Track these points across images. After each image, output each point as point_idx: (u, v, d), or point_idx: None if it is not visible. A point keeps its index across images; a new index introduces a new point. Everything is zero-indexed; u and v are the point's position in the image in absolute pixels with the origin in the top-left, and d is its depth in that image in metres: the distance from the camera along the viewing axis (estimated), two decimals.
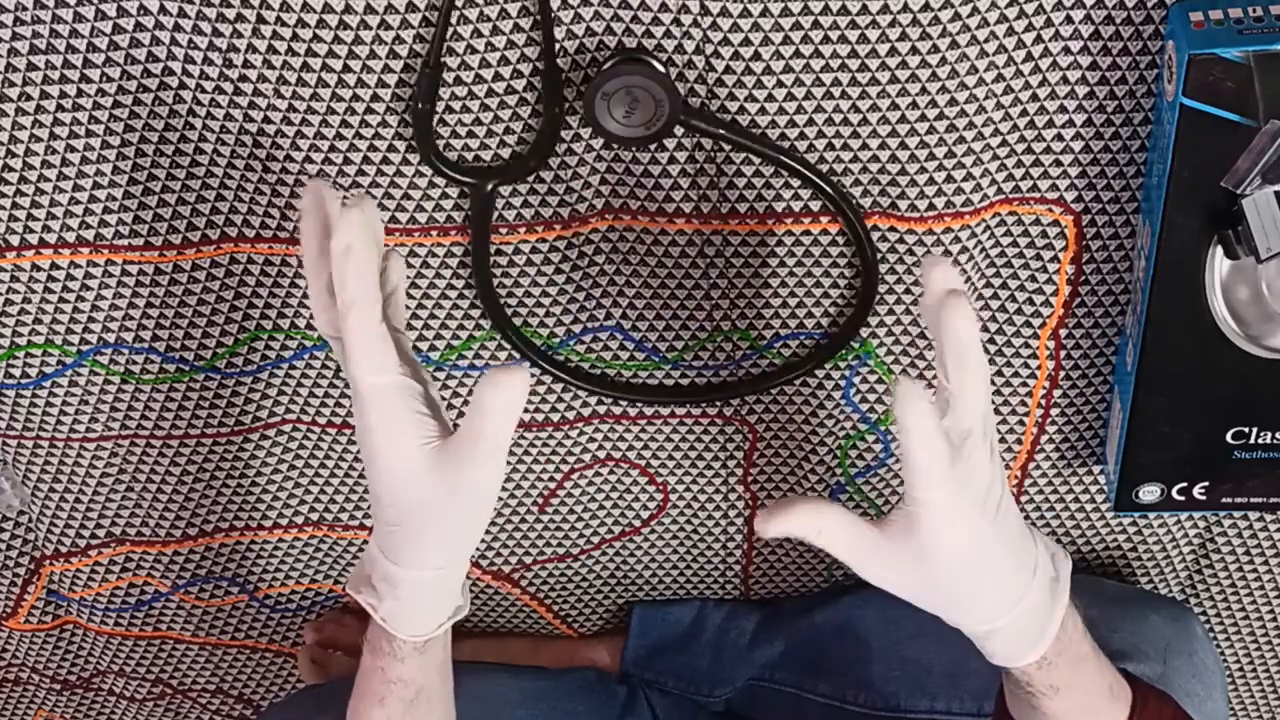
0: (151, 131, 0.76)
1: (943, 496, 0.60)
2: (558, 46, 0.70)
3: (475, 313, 0.83)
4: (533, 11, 0.69)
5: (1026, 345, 0.83)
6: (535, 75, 0.72)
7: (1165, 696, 0.73)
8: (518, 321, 0.83)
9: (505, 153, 0.75)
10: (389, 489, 0.63)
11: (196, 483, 0.94)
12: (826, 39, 0.69)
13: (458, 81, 0.72)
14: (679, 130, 0.73)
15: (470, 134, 0.74)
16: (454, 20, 0.69)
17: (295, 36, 0.70)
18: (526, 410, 0.89)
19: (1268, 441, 0.79)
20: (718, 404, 0.88)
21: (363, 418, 0.62)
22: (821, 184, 0.75)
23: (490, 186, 0.75)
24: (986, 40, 0.69)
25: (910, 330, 0.83)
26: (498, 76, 0.71)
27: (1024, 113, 0.73)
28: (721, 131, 0.72)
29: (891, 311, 0.82)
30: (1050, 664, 0.67)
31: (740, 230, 0.79)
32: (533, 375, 0.86)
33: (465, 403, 0.88)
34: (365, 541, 0.99)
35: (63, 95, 0.74)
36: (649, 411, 0.89)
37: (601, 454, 0.92)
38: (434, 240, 0.79)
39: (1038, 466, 0.90)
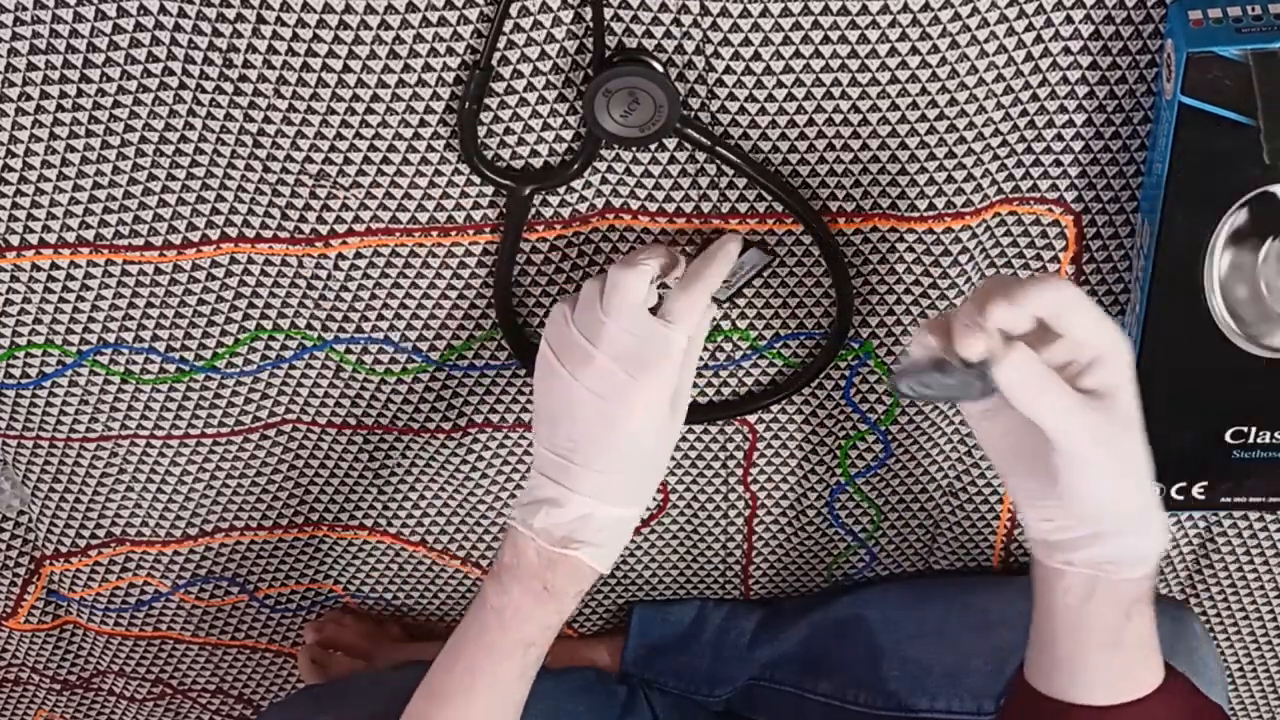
0: (151, 131, 0.76)
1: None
2: (608, 54, 0.70)
3: (475, 313, 0.83)
4: (585, 18, 0.69)
5: None
6: (580, 83, 0.72)
7: (1181, 673, 0.73)
8: (518, 321, 0.83)
9: (536, 160, 0.75)
10: (644, 442, 0.71)
11: (196, 483, 0.94)
12: (826, 39, 0.69)
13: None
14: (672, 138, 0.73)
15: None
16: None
17: (295, 36, 0.70)
18: (527, 410, 0.89)
19: (1267, 441, 0.79)
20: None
21: (658, 379, 0.70)
22: (809, 221, 0.76)
23: (528, 191, 0.76)
24: (986, 40, 0.69)
25: (910, 330, 0.83)
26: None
27: (1024, 113, 0.73)
28: (706, 142, 0.73)
29: (891, 312, 0.82)
30: (1151, 576, 0.67)
31: (740, 230, 0.79)
32: (531, 382, 0.86)
33: (464, 402, 0.88)
34: (365, 541, 0.99)
35: (63, 95, 0.74)
36: None
37: None
38: (434, 240, 0.79)
39: None
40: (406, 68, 0.71)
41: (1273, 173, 0.69)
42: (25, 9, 0.70)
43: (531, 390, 0.88)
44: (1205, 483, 0.81)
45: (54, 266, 0.82)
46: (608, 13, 0.69)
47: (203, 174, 0.78)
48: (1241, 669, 1.05)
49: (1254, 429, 0.78)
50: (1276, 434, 0.78)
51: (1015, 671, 0.72)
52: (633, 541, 0.98)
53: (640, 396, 0.70)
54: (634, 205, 0.78)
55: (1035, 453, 0.64)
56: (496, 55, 0.71)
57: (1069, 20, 0.69)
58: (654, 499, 0.94)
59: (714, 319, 0.82)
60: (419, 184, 0.77)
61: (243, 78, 0.72)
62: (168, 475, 0.94)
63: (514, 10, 0.69)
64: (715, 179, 0.76)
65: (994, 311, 0.61)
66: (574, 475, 0.71)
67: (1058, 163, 0.75)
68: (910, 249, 0.78)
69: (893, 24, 0.68)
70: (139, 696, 1.14)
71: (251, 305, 0.84)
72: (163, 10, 0.70)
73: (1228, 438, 0.79)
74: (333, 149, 0.75)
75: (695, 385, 0.87)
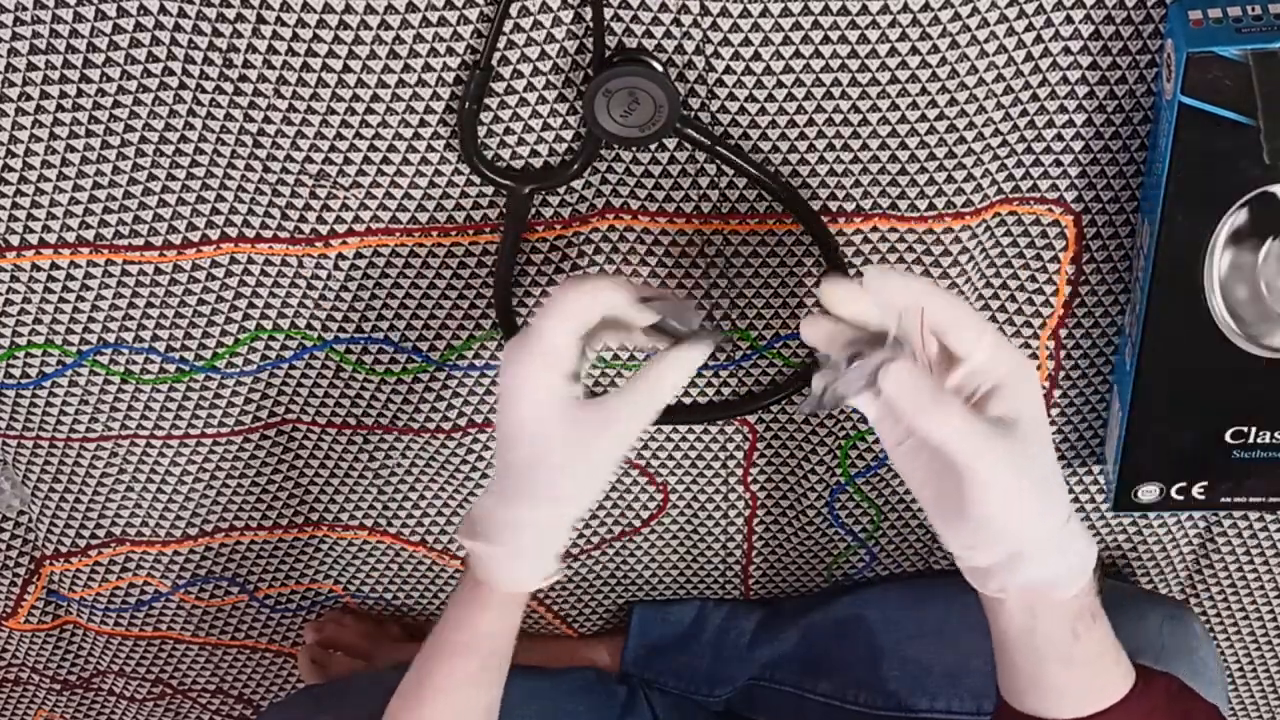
0: (151, 131, 0.76)
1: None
2: (608, 54, 0.70)
3: (475, 313, 0.83)
4: (585, 18, 0.69)
5: (1026, 345, 0.83)
6: (580, 83, 0.72)
7: (1168, 675, 0.73)
8: (518, 321, 0.83)
9: (536, 160, 0.75)
10: (516, 429, 0.68)
11: (196, 483, 0.94)
12: (826, 39, 0.69)
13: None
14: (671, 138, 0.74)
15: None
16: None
17: (295, 36, 0.70)
18: None
19: (1267, 441, 0.79)
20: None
21: (526, 353, 0.67)
22: (812, 222, 0.76)
23: (528, 190, 0.76)
24: (986, 40, 0.69)
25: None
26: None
27: (1024, 113, 0.73)
28: (706, 142, 0.73)
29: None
30: (1089, 591, 0.67)
31: (740, 230, 0.79)
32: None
33: (464, 402, 0.88)
34: (365, 541, 0.99)
35: (63, 95, 0.74)
36: None
37: None
38: (434, 240, 0.79)
39: None
40: (406, 68, 0.71)
41: (1273, 173, 0.69)
42: (25, 9, 0.70)
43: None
44: (1205, 483, 0.82)
45: (54, 266, 0.82)
46: (608, 13, 0.69)
47: (203, 174, 0.78)
48: (1241, 669, 1.05)
49: (1254, 429, 0.78)
50: (1276, 434, 0.78)
51: (996, 692, 0.73)
52: (632, 541, 0.98)
53: (502, 378, 0.68)
54: (634, 205, 0.78)
55: (946, 479, 0.64)
56: (496, 55, 0.71)
57: (1069, 20, 0.69)
58: (654, 499, 0.94)
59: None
60: (419, 184, 0.77)
61: (243, 78, 0.72)
62: (168, 475, 0.94)
63: (514, 10, 0.69)
64: (715, 179, 0.76)
65: (830, 288, 0.63)
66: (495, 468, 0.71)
67: (1058, 163, 0.75)
68: (910, 249, 0.78)
69: (893, 24, 0.68)
70: (139, 696, 1.14)
71: (251, 305, 0.84)
72: (163, 10, 0.70)
73: (1228, 438, 0.79)
74: (333, 149, 0.75)
75: (695, 385, 0.87)
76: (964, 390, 0.64)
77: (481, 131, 0.74)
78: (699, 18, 0.69)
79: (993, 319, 0.82)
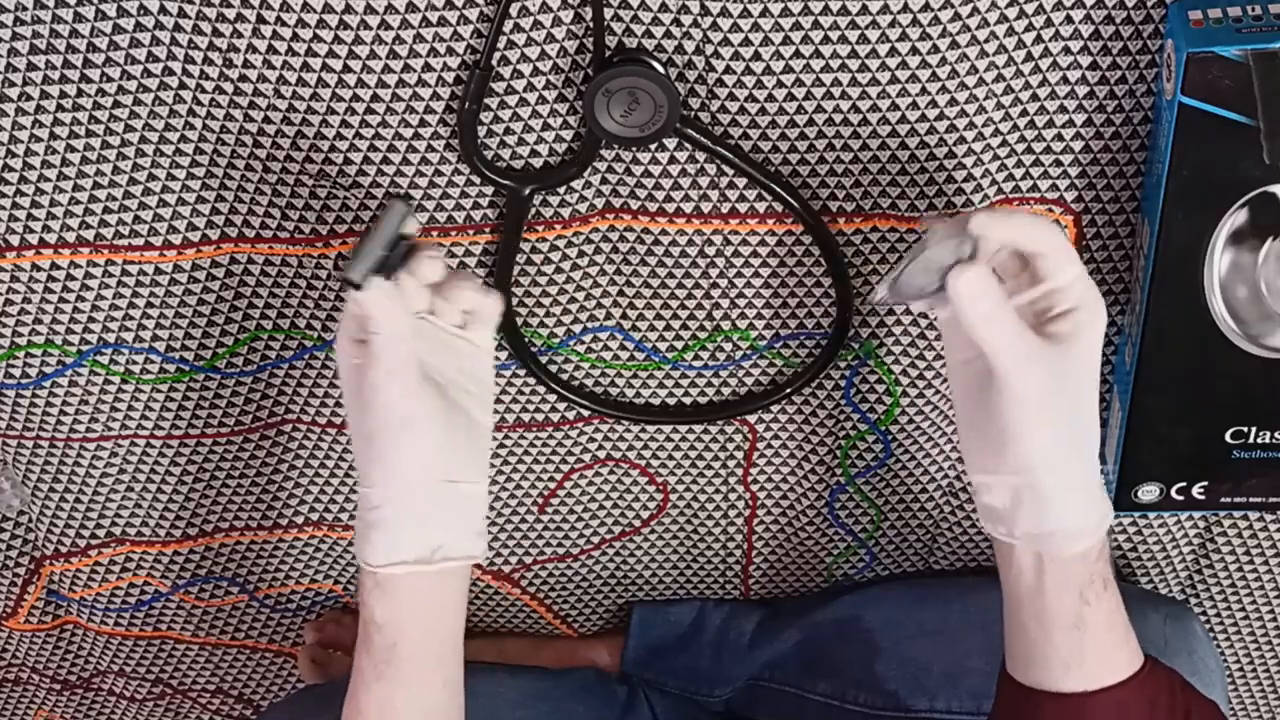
0: (151, 131, 0.76)
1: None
2: (608, 54, 0.70)
3: None
4: (585, 18, 0.69)
5: None
6: (580, 83, 0.72)
7: (1173, 670, 0.73)
8: (518, 321, 0.83)
9: (536, 160, 0.75)
10: (344, 395, 0.69)
11: (196, 483, 0.94)
12: (826, 39, 0.69)
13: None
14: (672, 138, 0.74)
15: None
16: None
17: (295, 36, 0.70)
18: (526, 410, 0.89)
19: (1267, 441, 0.79)
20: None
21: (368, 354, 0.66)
22: (808, 218, 0.76)
23: (528, 191, 0.76)
24: (986, 40, 0.69)
25: (910, 330, 0.83)
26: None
27: (1024, 113, 0.73)
28: (706, 142, 0.73)
29: (891, 312, 0.82)
30: (1101, 559, 0.67)
31: (740, 230, 0.79)
32: (530, 382, 0.86)
33: None
34: None
35: (63, 95, 0.74)
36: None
37: (601, 454, 0.92)
38: (433, 240, 0.79)
39: None
40: (406, 68, 0.71)
41: (1273, 173, 0.69)
42: (25, 9, 0.70)
43: (531, 390, 0.88)
44: (1205, 483, 0.82)
45: (54, 266, 0.82)
46: (608, 13, 0.69)
47: (203, 174, 0.78)
48: (1241, 669, 1.05)
49: (1254, 429, 0.78)
50: (1276, 434, 0.78)
51: (1001, 666, 0.73)
52: (632, 541, 0.98)
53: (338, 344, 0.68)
54: (634, 205, 0.78)
55: (986, 393, 0.65)
56: (496, 55, 0.71)
57: (1069, 20, 0.69)
58: (654, 499, 0.94)
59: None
60: (419, 184, 0.77)
61: (243, 78, 0.72)
62: (168, 475, 0.94)
63: (514, 10, 0.69)
64: (715, 179, 0.76)
65: (976, 217, 0.64)
66: None
67: (1058, 163, 0.75)
68: (910, 249, 0.78)
69: (893, 24, 0.68)
70: (139, 696, 1.14)
71: (251, 305, 0.84)
72: (163, 10, 0.70)
73: (1228, 438, 0.79)
74: (333, 149, 0.75)
75: (695, 385, 0.87)
76: (1035, 307, 0.66)
77: (481, 131, 0.74)
78: (699, 18, 0.69)
79: None
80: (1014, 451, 0.65)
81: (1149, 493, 0.83)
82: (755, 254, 0.80)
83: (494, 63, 0.71)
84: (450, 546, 0.69)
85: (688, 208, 0.78)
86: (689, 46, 0.70)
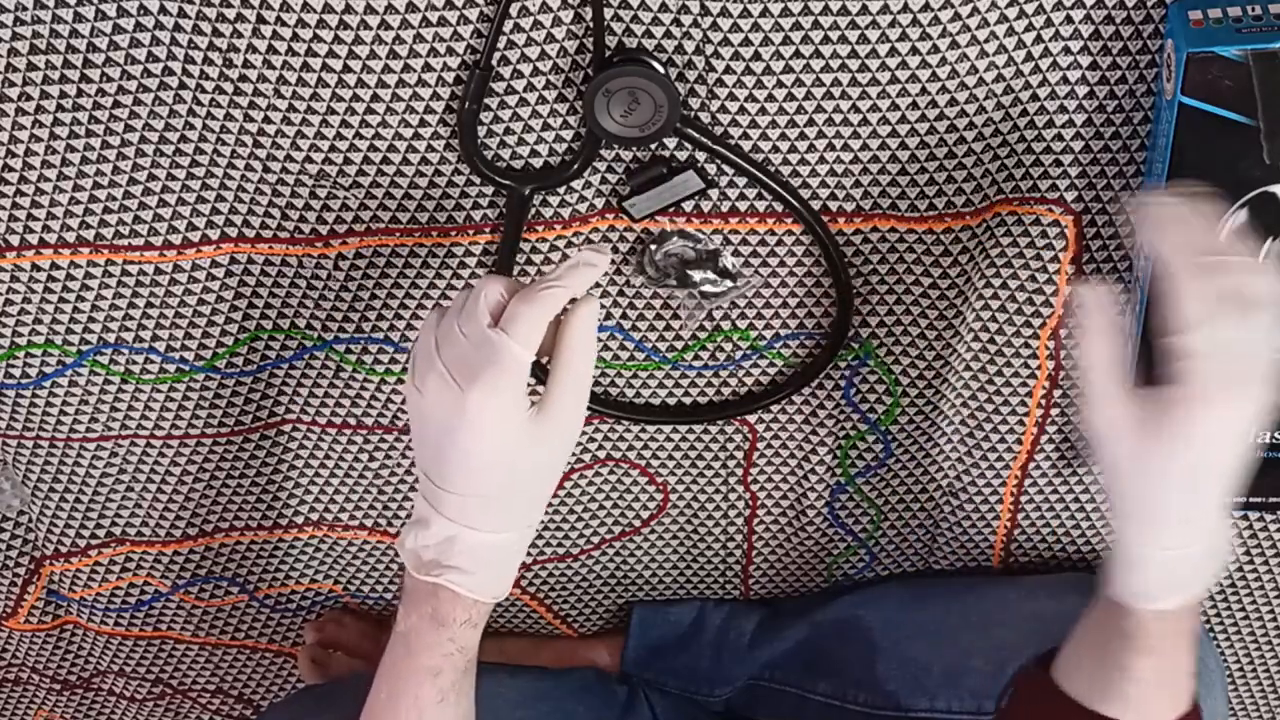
0: (151, 131, 0.76)
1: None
2: (608, 53, 0.70)
3: None
4: (585, 18, 0.69)
5: (1026, 345, 0.83)
6: (580, 83, 0.72)
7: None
8: None
9: (536, 160, 0.75)
10: (493, 459, 0.65)
11: (196, 483, 0.94)
12: (826, 39, 0.69)
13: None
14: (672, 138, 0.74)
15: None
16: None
17: (295, 36, 0.70)
18: None
19: (1267, 441, 0.79)
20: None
21: (487, 391, 0.64)
22: (807, 216, 0.76)
23: (528, 191, 0.76)
24: (986, 40, 0.69)
25: (910, 330, 0.83)
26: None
27: (1024, 112, 0.73)
28: (707, 142, 0.73)
29: (891, 312, 0.82)
30: (1174, 618, 0.65)
31: (740, 229, 0.79)
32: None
33: None
34: (365, 541, 0.99)
35: (63, 95, 0.74)
36: None
37: (601, 454, 0.92)
38: (434, 240, 0.79)
39: (1038, 466, 0.90)
40: (406, 68, 0.71)
41: (1273, 173, 0.69)
42: (25, 9, 0.70)
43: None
44: None
45: (54, 266, 0.82)
46: (608, 13, 0.69)
47: (203, 174, 0.78)
48: (1242, 669, 1.05)
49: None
50: (1277, 434, 0.78)
51: (1026, 667, 0.72)
52: (632, 541, 0.98)
53: (470, 410, 0.64)
54: None
55: (1150, 404, 0.61)
56: (496, 55, 0.71)
57: (1069, 20, 0.69)
58: (654, 499, 0.94)
59: (601, 318, 0.81)
60: (419, 184, 0.77)
61: (243, 77, 0.72)
62: (168, 475, 0.94)
63: (514, 10, 0.69)
64: (715, 179, 0.76)
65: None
66: (436, 495, 0.67)
67: (1058, 163, 0.75)
68: (910, 249, 0.78)
69: (893, 24, 0.68)
70: (139, 696, 1.14)
71: (251, 305, 0.84)
72: (163, 10, 0.70)
73: None
74: (333, 149, 0.75)
75: (695, 385, 0.87)
76: None
77: (481, 131, 0.74)
78: (699, 18, 0.69)
79: (993, 319, 0.82)
80: (1162, 468, 0.61)
81: None
82: (755, 254, 0.80)
83: (494, 63, 0.71)
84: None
85: (688, 207, 0.78)
86: (689, 46, 0.70)
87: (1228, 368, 0.59)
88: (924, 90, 0.71)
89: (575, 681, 0.98)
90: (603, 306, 0.83)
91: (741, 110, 0.72)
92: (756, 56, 0.70)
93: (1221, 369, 0.59)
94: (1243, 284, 0.59)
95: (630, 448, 0.91)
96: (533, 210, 0.78)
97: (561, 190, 0.77)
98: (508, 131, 0.74)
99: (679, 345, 0.85)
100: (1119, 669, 0.67)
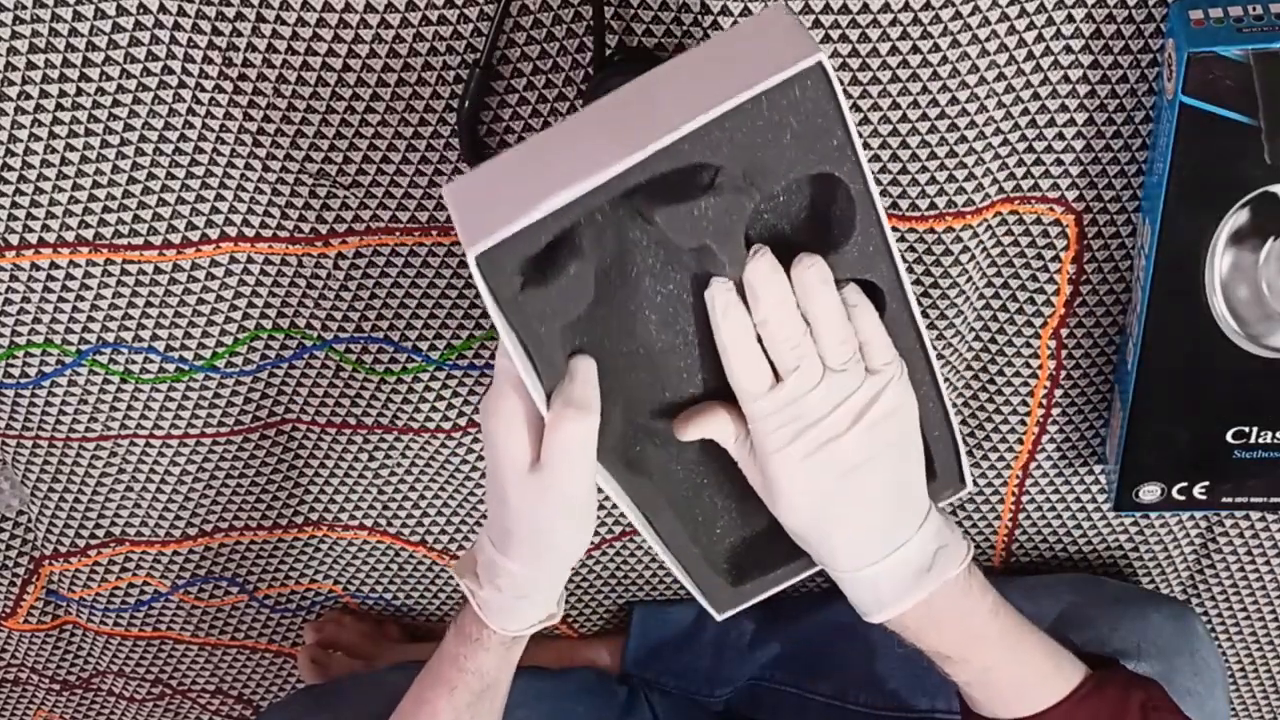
0: (151, 131, 0.76)
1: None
2: (608, 52, 0.70)
3: (475, 312, 0.83)
4: (585, 17, 0.69)
5: (1027, 345, 0.83)
6: (580, 83, 0.72)
7: (1149, 683, 0.73)
8: None
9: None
10: (515, 487, 0.64)
11: (196, 483, 0.94)
12: (827, 39, 0.69)
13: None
14: None
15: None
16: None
17: (295, 36, 0.70)
18: None
19: (1268, 441, 0.79)
20: None
21: (586, 429, 0.61)
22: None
23: None
24: (988, 39, 0.69)
25: None
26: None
27: (1025, 111, 0.73)
28: None
29: None
30: (922, 631, 0.69)
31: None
32: None
33: (465, 402, 0.88)
34: (365, 541, 0.99)
35: (62, 95, 0.74)
36: None
37: None
38: (434, 240, 0.79)
39: (1039, 466, 0.90)
40: (406, 67, 0.71)
41: (1274, 172, 0.69)
42: (25, 8, 0.70)
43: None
44: (1206, 483, 0.81)
45: (54, 266, 0.82)
46: (608, 12, 0.69)
47: (203, 173, 0.78)
48: (1243, 668, 1.05)
49: (1255, 429, 0.78)
50: (1277, 434, 0.78)
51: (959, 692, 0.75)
52: (633, 541, 0.98)
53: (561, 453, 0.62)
54: None
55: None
56: (496, 55, 0.71)
57: (1070, 19, 0.69)
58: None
59: None
60: (419, 184, 0.76)
61: (243, 77, 0.72)
62: (167, 475, 0.94)
63: (514, 9, 0.69)
64: None
65: None
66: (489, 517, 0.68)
67: (1059, 161, 0.75)
68: (910, 249, 0.78)
69: (893, 23, 0.68)
70: (139, 696, 1.13)
71: (251, 305, 0.84)
72: (163, 10, 0.70)
73: (1229, 438, 0.79)
74: (333, 148, 0.75)
75: None
76: None
77: (481, 131, 0.74)
78: (699, 17, 0.69)
79: (993, 319, 0.82)
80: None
81: (1150, 493, 0.83)
82: None
83: (494, 62, 0.71)
84: (559, 607, 0.72)
85: None
86: (689, 45, 0.70)
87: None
88: (924, 89, 0.71)
89: (575, 682, 0.98)
90: None
91: None
92: None
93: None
94: None
95: None
96: None
97: None
98: (508, 131, 0.74)
99: None
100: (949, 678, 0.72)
